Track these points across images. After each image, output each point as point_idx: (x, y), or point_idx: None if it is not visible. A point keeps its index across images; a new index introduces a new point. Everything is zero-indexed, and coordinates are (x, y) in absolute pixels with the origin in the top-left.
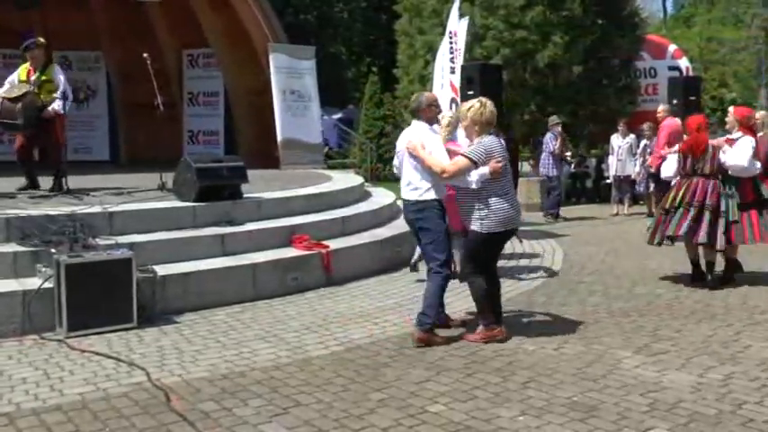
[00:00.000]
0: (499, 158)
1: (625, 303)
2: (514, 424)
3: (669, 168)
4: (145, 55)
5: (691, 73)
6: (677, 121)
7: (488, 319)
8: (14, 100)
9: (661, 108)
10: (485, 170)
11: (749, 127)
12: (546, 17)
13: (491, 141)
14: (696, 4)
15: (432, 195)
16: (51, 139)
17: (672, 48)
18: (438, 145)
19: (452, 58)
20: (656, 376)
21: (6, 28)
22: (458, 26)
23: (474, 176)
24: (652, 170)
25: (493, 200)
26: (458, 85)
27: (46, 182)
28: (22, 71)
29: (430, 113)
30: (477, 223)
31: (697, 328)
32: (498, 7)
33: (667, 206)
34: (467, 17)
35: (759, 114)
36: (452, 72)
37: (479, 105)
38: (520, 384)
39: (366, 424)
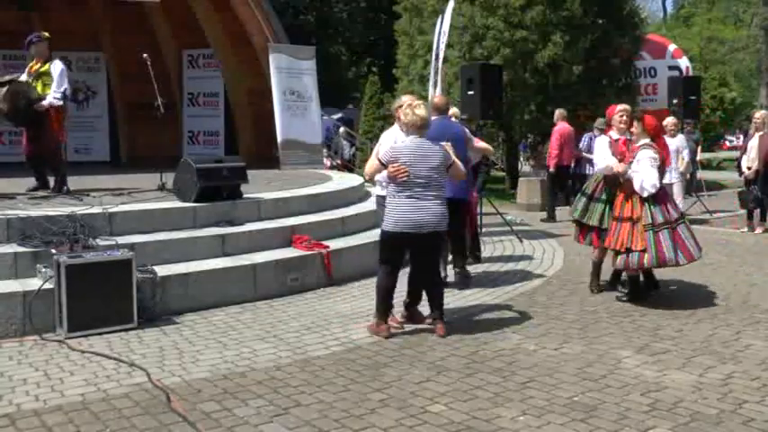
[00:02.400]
0: (398, 164)
1: (625, 303)
2: (515, 424)
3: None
4: (144, 55)
5: (690, 72)
6: (568, 126)
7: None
8: (1, 85)
9: (557, 112)
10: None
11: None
12: (546, 17)
13: (403, 145)
14: (696, 3)
15: None
16: (46, 135)
17: (672, 47)
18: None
19: (437, 56)
20: (656, 376)
21: (6, 28)
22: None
23: (380, 177)
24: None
25: (392, 201)
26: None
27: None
28: (29, 67)
29: None
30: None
31: (697, 327)
32: (498, 7)
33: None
34: (448, 15)
35: (759, 114)
36: (437, 72)
37: (406, 106)
38: (520, 384)
39: (367, 424)
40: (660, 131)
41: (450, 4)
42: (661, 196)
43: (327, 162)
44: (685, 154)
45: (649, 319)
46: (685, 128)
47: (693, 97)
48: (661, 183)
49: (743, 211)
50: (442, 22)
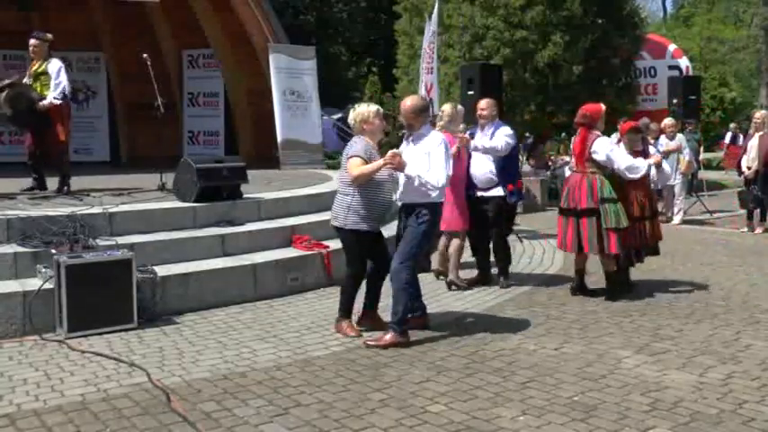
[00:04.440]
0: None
1: (625, 303)
2: (515, 424)
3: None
4: (144, 55)
5: (690, 72)
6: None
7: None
8: (1, 90)
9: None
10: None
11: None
12: (546, 17)
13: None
14: (696, 3)
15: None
16: (49, 136)
17: (672, 47)
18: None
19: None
20: (656, 376)
21: (6, 28)
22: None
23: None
24: None
25: None
26: (435, 83)
27: (52, 182)
28: (29, 68)
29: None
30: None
31: (697, 327)
32: (498, 7)
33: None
34: (435, 16)
35: (759, 114)
36: (430, 72)
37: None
38: (520, 384)
39: (367, 424)
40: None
41: (437, 6)
42: None
43: None
44: (686, 153)
45: (649, 319)
46: (687, 128)
47: (693, 97)
48: None
49: (743, 211)
50: (430, 24)
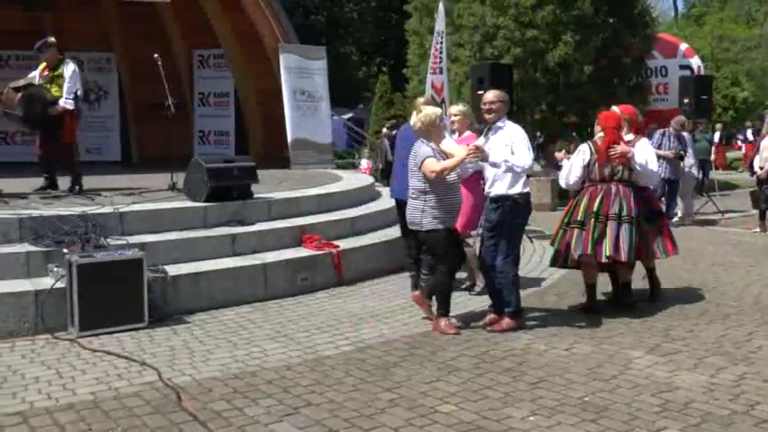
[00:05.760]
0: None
1: (636, 303)
2: (525, 424)
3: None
4: (155, 56)
5: (702, 72)
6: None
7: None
8: (18, 90)
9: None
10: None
11: (639, 128)
12: (556, 16)
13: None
14: (708, 2)
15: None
16: (58, 138)
17: (683, 46)
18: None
19: (440, 57)
20: (667, 376)
21: (17, 30)
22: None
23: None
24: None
25: None
26: (443, 84)
27: (64, 182)
28: (40, 68)
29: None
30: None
31: (709, 327)
32: (509, 6)
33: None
34: (442, 15)
35: None
36: (440, 72)
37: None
38: (530, 384)
39: (377, 424)
40: (612, 123)
41: (441, 6)
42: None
43: (367, 164)
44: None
45: (660, 320)
46: (698, 127)
47: (705, 97)
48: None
49: (755, 212)
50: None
